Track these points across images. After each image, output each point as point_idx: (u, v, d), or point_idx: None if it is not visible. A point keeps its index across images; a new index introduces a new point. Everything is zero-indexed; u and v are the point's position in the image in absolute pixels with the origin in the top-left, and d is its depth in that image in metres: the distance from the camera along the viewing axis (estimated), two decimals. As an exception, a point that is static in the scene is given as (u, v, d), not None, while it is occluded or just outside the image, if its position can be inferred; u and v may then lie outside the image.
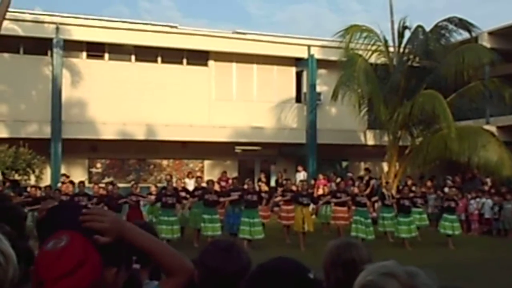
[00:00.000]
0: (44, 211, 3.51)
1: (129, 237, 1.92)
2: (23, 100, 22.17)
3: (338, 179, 21.40)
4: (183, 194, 15.85)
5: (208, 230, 14.67)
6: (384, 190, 17.46)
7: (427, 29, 21.07)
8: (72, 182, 19.38)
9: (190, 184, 19.69)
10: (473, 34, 21.49)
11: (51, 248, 1.93)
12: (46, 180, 21.18)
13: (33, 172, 20.15)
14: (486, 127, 22.57)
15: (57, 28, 22.18)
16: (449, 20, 21.01)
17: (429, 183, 21.34)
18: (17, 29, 21.55)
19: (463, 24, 20.89)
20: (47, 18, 22.50)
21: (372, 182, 22.79)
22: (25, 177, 20.12)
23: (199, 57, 25.04)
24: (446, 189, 18.20)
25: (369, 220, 15.59)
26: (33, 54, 22.84)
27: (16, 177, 19.66)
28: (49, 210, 2.16)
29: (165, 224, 14.21)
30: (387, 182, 19.25)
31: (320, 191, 20.41)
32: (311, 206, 17.04)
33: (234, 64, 25.73)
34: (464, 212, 18.96)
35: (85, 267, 1.89)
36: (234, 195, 15.56)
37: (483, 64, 21.00)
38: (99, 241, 1.84)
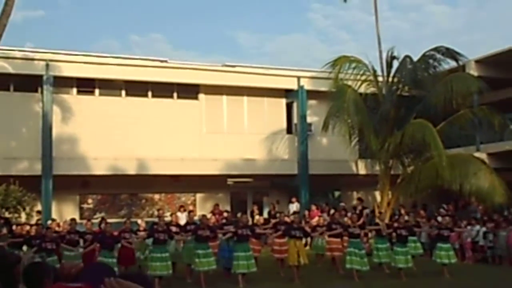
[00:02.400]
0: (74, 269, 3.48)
1: None
2: (13, 137, 22.08)
3: (332, 210, 21.33)
4: (174, 229, 15.71)
5: (204, 266, 14.48)
6: (378, 221, 17.39)
7: (415, 58, 21.29)
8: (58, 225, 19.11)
9: (183, 218, 19.53)
10: (460, 63, 21.77)
11: None
12: (35, 218, 20.97)
13: (24, 209, 19.99)
14: (477, 154, 22.69)
15: (47, 65, 22.23)
16: (436, 49, 21.26)
17: (422, 212, 21.31)
18: (7, 67, 21.59)
19: (450, 53, 21.14)
20: (37, 55, 22.56)
21: (365, 211, 22.77)
22: (16, 215, 19.91)
23: (189, 91, 25.12)
24: (439, 218, 18.14)
25: (364, 251, 15.48)
26: (23, 91, 22.82)
27: (7, 215, 19.47)
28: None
29: (158, 261, 14.03)
30: (380, 212, 19.23)
31: (314, 222, 20.32)
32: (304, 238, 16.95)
33: (224, 97, 25.82)
34: (457, 240, 18.89)
35: None
36: (229, 229, 15.45)
37: (471, 92, 21.17)
38: None
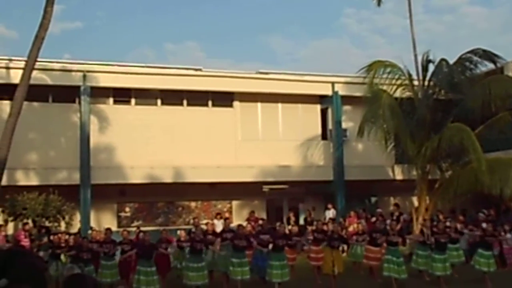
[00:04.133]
0: None
1: None
2: (52, 148, 22.51)
3: (373, 218, 21.09)
4: (210, 237, 15.78)
5: (238, 274, 14.51)
6: (423, 229, 16.94)
7: (451, 61, 20.98)
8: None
9: (219, 225, 19.61)
10: (498, 65, 21.33)
11: None
12: (76, 226, 21.34)
13: (63, 218, 20.33)
14: (517, 158, 22.18)
15: (84, 76, 22.63)
16: (473, 51, 20.92)
17: (461, 217, 20.92)
18: (45, 78, 22.02)
19: (488, 56, 20.76)
20: (74, 66, 22.99)
21: (402, 217, 22.48)
22: (55, 224, 20.27)
23: (224, 98, 25.24)
24: (484, 225, 17.64)
25: (401, 259, 15.23)
26: (61, 102, 23.26)
27: (47, 224, 19.84)
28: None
29: (194, 271, 14.09)
30: (424, 219, 18.84)
31: (351, 229, 20.17)
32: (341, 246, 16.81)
33: (259, 104, 25.87)
34: (498, 247, 18.47)
35: None
36: (265, 238, 15.40)
37: (510, 95, 20.73)
38: None
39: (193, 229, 17.05)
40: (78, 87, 22.69)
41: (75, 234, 17.58)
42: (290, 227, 19.23)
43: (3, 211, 19.67)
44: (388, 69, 22.06)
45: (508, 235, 18.63)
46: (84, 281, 4.31)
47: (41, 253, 15.75)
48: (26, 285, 3.15)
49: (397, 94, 22.04)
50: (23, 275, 4.05)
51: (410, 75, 22.15)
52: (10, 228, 20.92)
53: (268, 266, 14.58)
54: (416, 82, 22.31)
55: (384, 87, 21.91)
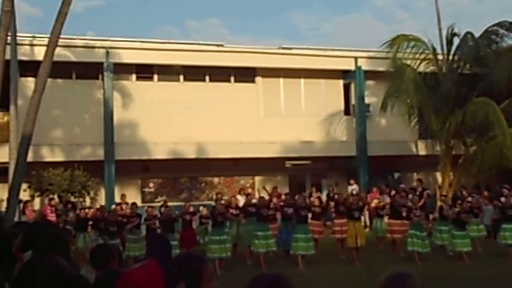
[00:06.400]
0: None
1: None
2: (76, 124, 22.73)
3: (393, 192, 21.05)
4: (233, 211, 15.90)
5: (263, 247, 14.59)
6: (442, 204, 16.92)
7: (477, 35, 20.65)
8: (126, 203, 19.69)
9: (242, 201, 19.72)
10: (525, 38, 20.97)
11: (127, 269, 2.54)
12: (101, 201, 21.60)
13: (88, 194, 20.59)
14: (543, 132, 21.85)
15: (107, 52, 22.72)
16: (499, 24, 20.59)
17: (485, 193, 20.74)
18: (69, 55, 22.16)
19: (514, 29, 20.41)
20: (97, 43, 23.09)
21: (426, 193, 22.36)
22: (81, 199, 20.56)
23: (246, 74, 25.18)
24: (502, 199, 17.58)
25: (425, 233, 15.25)
26: (84, 78, 23.42)
27: (72, 199, 20.13)
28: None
29: (217, 244, 14.21)
30: (444, 195, 18.77)
31: (373, 204, 20.13)
32: (363, 220, 16.80)
33: (281, 80, 25.77)
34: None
35: None
36: (288, 210, 15.49)
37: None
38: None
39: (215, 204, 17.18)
40: (101, 63, 22.80)
41: (99, 208, 17.81)
42: (312, 198, 19.24)
43: (29, 187, 19.95)
44: (412, 43, 21.83)
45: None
46: (109, 250, 4.42)
47: (67, 227, 16.02)
48: (52, 254, 3.26)
49: (421, 68, 21.83)
50: (49, 246, 4.16)
51: (434, 49, 21.89)
52: (37, 204, 21.25)
53: (293, 239, 14.64)
54: (440, 57, 22.04)
55: (408, 62, 21.71)
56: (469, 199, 18.06)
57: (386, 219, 17.47)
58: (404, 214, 15.98)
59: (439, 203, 17.66)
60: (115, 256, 4.20)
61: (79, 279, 3.10)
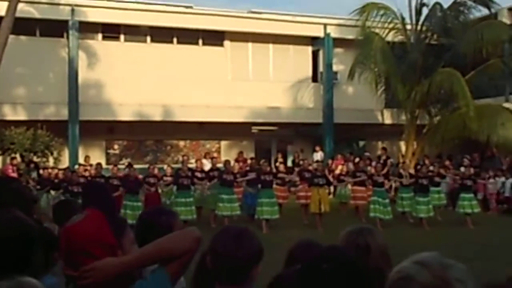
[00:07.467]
0: None
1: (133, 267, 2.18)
2: (40, 83, 22.26)
3: (356, 159, 21.32)
4: (199, 175, 15.89)
5: (227, 210, 14.70)
6: (401, 170, 17.34)
7: (445, 6, 20.79)
8: (90, 165, 19.50)
9: (207, 165, 19.69)
10: (493, 11, 21.25)
11: (70, 222, 2.47)
12: (64, 162, 21.36)
13: (51, 154, 20.31)
14: (506, 105, 22.24)
15: (73, 10, 22.19)
16: (468, -4, 20.71)
17: (447, 162, 21.14)
18: (33, 12, 21.58)
19: (482, 1, 20.61)
20: (62, 0, 22.48)
21: (389, 161, 22.67)
22: (44, 159, 20.28)
23: (214, 37, 24.94)
24: (462, 169, 17.97)
25: (387, 200, 15.52)
26: (49, 36, 22.88)
27: (35, 159, 19.84)
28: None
29: (182, 206, 14.28)
30: (403, 162, 19.14)
31: (338, 171, 20.36)
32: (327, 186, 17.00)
33: (250, 44, 25.61)
34: (483, 191, 18.78)
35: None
36: (252, 175, 15.58)
37: (502, 41, 20.67)
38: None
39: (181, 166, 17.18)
40: (66, 21, 22.27)
41: (64, 169, 17.61)
42: (277, 164, 19.37)
43: (-10, 146, 19.61)
44: (381, 12, 21.87)
45: (491, 180, 18.91)
46: (72, 205, 4.37)
47: (29, 187, 15.83)
48: (13, 208, 3.20)
49: (390, 37, 21.93)
50: (10, 199, 4.08)
51: (403, 18, 21.98)
52: (-2, 163, 20.96)
53: (257, 204, 14.76)
54: (409, 26, 22.14)
55: (377, 30, 21.79)
56: (430, 167, 18.39)
57: (350, 185, 17.71)
58: (363, 179, 16.32)
59: (400, 171, 17.98)
60: (77, 212, 4.15)
61: (42, 230, 3.06)
